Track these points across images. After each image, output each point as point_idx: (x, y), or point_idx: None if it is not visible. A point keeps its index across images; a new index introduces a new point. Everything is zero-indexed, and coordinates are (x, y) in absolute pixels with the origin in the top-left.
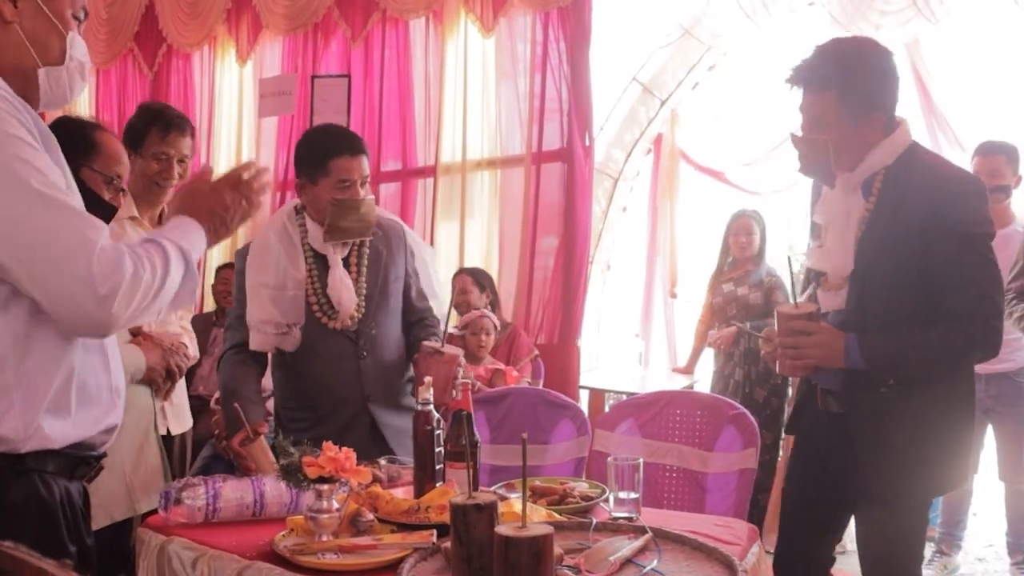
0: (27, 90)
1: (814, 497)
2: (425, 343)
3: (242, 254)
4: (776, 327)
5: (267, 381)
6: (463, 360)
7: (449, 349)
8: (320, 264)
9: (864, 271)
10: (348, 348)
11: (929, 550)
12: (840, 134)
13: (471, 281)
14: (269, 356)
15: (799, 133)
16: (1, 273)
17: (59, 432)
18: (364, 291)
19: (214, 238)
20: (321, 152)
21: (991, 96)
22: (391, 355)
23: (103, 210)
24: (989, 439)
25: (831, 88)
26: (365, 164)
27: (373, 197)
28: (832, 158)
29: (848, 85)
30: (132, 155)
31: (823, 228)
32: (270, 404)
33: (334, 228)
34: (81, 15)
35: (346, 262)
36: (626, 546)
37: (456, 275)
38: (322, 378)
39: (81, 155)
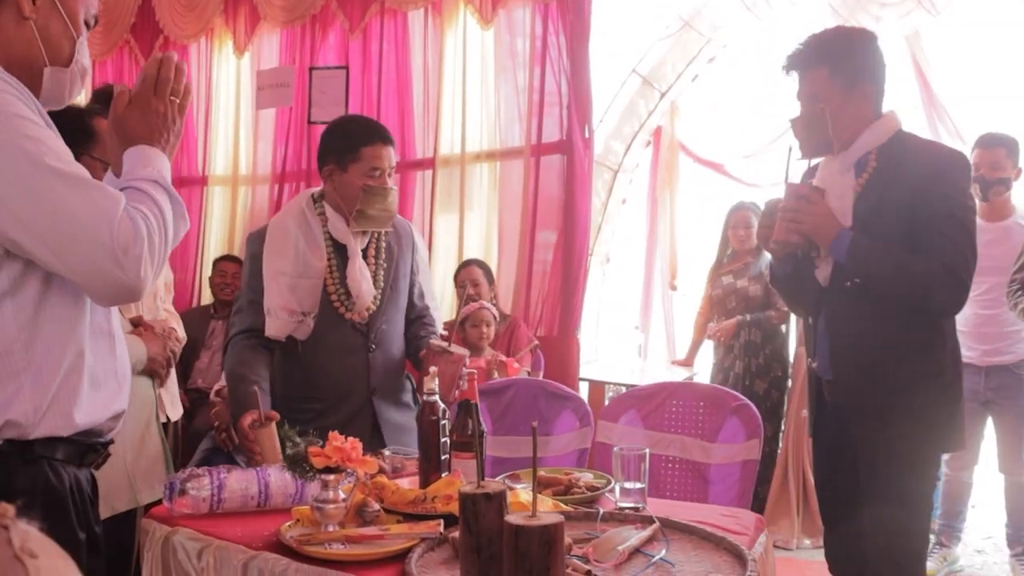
0: (30, 86)
1: (844, 497)
2: (434, 341)
3: (257, 238)
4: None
5: None
6: (468, 360)
7: (456, 349)
8: (339, 254)
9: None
10: (359, 340)
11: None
12: (834, 106)
13: (482, 273)
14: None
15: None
16: (22, 253)
17: (68, 417)
18: (381, 284)
19: (171, 149)
20: (354, 139)
21: (992, 88)
22: (397, 351)
23: None
24: (989, 431)
25: (823, 64)
26: (393, 155)
27: (397, 189)
28: (830, 125)
29: (838, 59)
30: None
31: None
32: None
33: (361, 215)
34: (92, 21)
35: (364, 254)
36: (634, 536)
37: (465, 266)
38: (331, 369)
39: (81, 143)
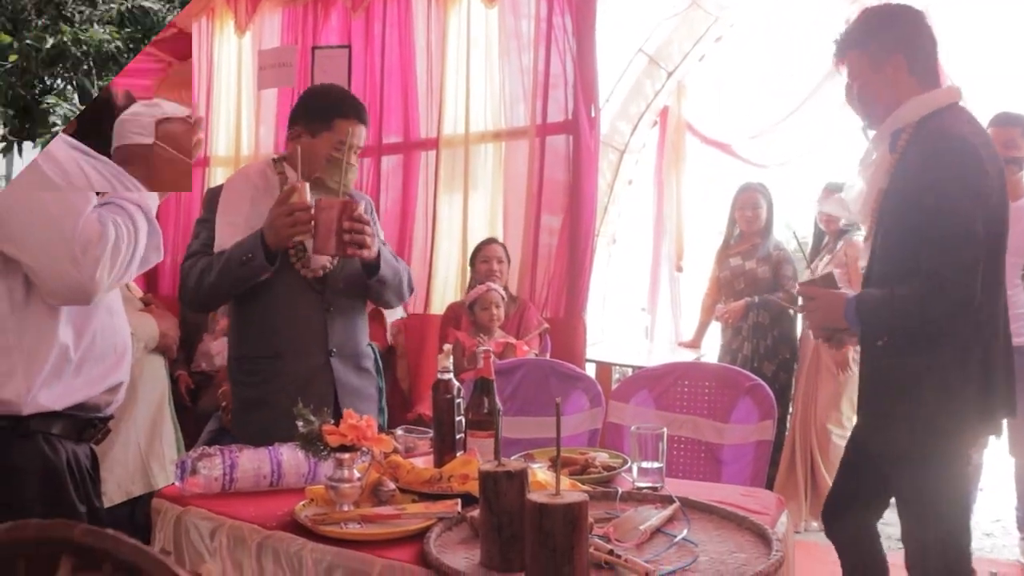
0: None
1: (856, 461)
2: None
3: (215, 191)
4: None
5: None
6: (366, 218)
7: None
8: None
9: (879, 224)
10: (315, 299)
11: None
12: (864, 80)
13: (504, 252)
14: (232, 302)
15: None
16: None
17: (60, 392)
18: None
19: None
20: (331, 109)
21: (1004, 67)
22: (356, 314)
23: None
24: None
25: (856, 47)
26: (364, 135)
27: (356, 167)
28: (856, 99)
29: (867, 37)
30: None
31: (857, 178)
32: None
33: (319, 183)
34: None
35: None
36: (655, 515)
37: (487, 244)
38: (285, 325)
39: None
